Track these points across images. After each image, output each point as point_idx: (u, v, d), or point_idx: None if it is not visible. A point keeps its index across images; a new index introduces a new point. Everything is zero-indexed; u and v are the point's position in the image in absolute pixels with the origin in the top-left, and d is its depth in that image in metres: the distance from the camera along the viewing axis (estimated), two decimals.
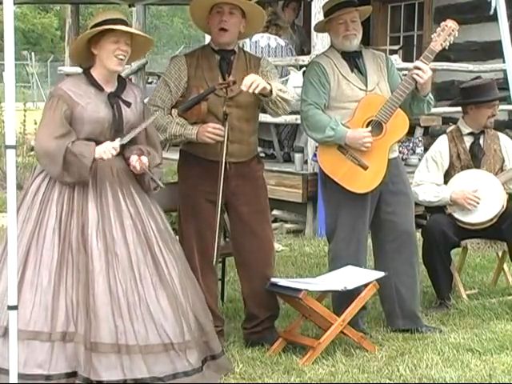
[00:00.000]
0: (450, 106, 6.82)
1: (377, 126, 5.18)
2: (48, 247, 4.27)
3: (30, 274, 4.24)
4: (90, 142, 4.32)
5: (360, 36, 5.30)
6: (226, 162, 4.88)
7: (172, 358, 4.27)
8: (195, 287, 4.60)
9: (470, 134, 6.10)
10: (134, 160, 4.41)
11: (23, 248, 4.27)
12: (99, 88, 4.41)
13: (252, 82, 4.75)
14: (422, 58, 5.24)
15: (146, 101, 5.01)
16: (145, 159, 4.43)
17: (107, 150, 4.30)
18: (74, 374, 4.16)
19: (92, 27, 4.39)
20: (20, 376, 4.03)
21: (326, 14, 5.30)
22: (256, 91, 4.76)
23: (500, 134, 6.23)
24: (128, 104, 4.47)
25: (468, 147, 6.07)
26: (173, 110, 4.96)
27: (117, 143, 4.34)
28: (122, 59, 4.39)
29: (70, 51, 4.55)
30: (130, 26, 4.49)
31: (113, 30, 4.33)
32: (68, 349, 4.16)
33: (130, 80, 11.57)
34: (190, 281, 4.55)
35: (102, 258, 4.25)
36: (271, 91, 4.86)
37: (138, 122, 4.51)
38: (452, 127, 6.50)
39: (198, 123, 4.88)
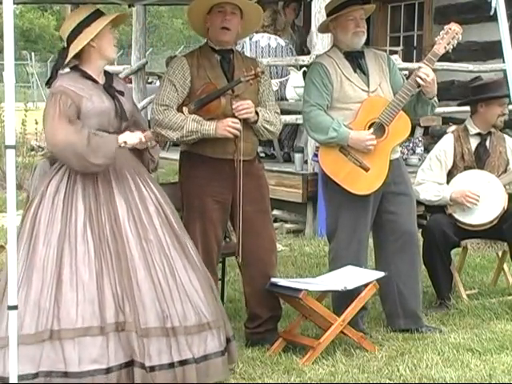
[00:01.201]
0: (460, 105, 6.73)
1: (379, 128, 5.18)
2: (81, 242, 4.26)
3: (67, 273, 4.21)
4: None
5: (366, 35, 5.30)
6: (238, 160, 4.92)
7: (205, 338, 4.34)
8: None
9: (477, 134, 6.08)
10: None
11: (54, 249, 4.25)
12: (94, 81, 4.46)
13: (242, 109, 4.88)
14: (425, 60, 5.24)
15: (146, 101, 5.02)
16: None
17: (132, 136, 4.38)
18: (131, 363, 4.16)
19: (77, 26, 4.39)
20: (77, 374, 4.05)
21: (331, 13, 5.27)
22: (240, 117, 4.88)
23: (506, 137, 6.20)
24: (122, 93, 4.53)
25: (473, 148, 6.05)
26: (184, 108, 4.95)
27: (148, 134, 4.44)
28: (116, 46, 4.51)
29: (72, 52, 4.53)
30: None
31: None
32: (122, 338, 4.17)
33: (130, 80, 11.59)
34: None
35: (138, 245, 4.30)
36: (256, 121, 4.97)
37: (133, 109, 4.60)
38: (453, 126, 6.49)
39: (212, 120, 4.89)
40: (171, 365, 4.22)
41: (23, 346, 4.04)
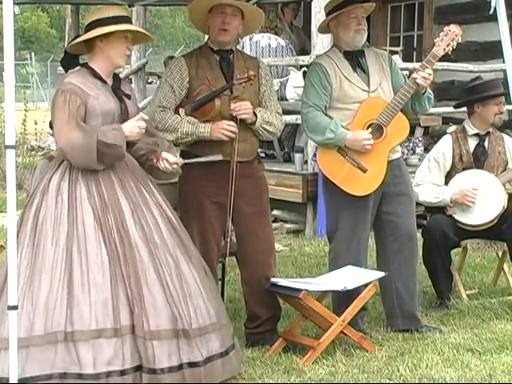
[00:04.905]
0: (456, 107, 6.72)
1: (377, 129, 5.18)
2: (93, 244, 4.23)
3: (77, 274, 4.18)
4: (114, 125, 4.36)
5: (366, 33, 5.30)
6: (234, 161, 4.92)
7: (208, 339, 4.33)
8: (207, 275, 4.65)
9: (476, 135, 6.07)
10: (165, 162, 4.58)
11: (63, 250, 4.22)
12: (103, 81, 4.48)
13: (240, 110, 4.88)
14: (424, 62, 5.24)
15: (146, 101, 5.02)
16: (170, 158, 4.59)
17: (135, 129, 4.39)
18: (139, 368, 4.16)
19: (95, 21, 4.42)
20: (93, 376, 4.05)
21: (332, 12, 5.25)
22: (238, 117, 4.89)
23: (505, 136, 6.18)
24: (128, 96, 4.54)
25: (472, 149, 6.03)
26: (180, 110, 4.95)
27: (140, 117, 4.43)
28: (128, 56, 4.54)
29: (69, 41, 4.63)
30: (131, 22, 4.60)
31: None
32: (135, 341, 4.16)
33: (130, 80, 11.61)
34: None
35: (145, 248, 4.30)
36: (255, 122, 4.97)
37: (137, 113, 4.58)
38: (453, 127, 6.48)
39: (208, 122, 4.90)
40: (180, 366, 4.21)
41: (34, 347, 4.05)
